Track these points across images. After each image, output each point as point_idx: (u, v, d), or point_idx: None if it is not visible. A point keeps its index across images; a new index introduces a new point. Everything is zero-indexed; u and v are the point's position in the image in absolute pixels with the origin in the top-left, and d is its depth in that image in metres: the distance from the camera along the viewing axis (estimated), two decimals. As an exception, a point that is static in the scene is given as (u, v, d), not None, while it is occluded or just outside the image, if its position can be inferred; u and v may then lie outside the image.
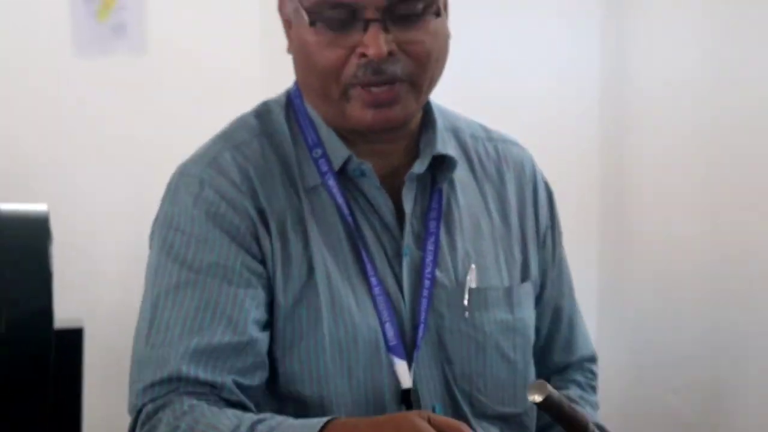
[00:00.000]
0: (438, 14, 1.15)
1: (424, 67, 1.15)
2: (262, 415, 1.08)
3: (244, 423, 1.05)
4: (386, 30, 1.12)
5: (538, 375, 1.32)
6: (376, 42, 1.10)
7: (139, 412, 1.11)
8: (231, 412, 1.09)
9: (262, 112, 1.26)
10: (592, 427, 1.04)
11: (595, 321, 2.45)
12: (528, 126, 2.18)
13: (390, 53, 1.11)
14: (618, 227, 2.67)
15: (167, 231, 1.18)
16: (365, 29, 1.10)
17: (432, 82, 1.20)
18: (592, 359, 1.42)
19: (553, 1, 2.68)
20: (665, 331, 2.47)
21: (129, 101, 2.99)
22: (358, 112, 1.14)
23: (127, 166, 2.86)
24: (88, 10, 3.13)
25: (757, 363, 2.21)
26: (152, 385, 1.11)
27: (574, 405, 1.04)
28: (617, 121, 2.65)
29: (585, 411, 1.22)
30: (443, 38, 1.18)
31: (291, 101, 1.25)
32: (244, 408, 1.13)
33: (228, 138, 1.22)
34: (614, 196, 2.67)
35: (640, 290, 2.59)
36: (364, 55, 1.11)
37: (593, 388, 1.39)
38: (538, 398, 1.00)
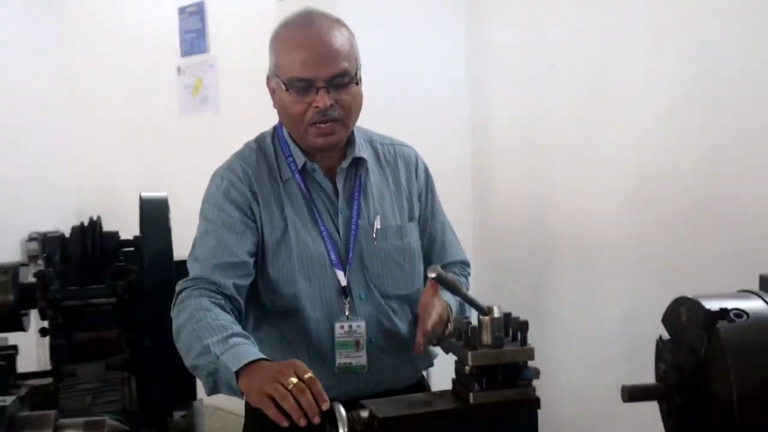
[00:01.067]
0: (357, 83, 1.91)
1: (349, 113, 1.92)
2: (244, 334, 1.73)
3: (233, 330, 1.72)
4: (328, 92, 1.87)
5: (424, 276, 2.03)
6: (323, 99, 1.86)
7: (180, 292, 1.87)
8: (228, 319, 1.77)
9: (259, 138, 2.07)
10: (464, 289, 1.68)
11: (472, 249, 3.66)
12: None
13: (330, 105, 1.87)
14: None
15: (204, 204, 1.99)
16: (317, 93, 1.87)
17: (354, 121, 1.96)
18: (463, 263, 2.19)
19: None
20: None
21: (210, 145, 4.59)
22: (314, 139, 1.92)
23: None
24: (186, 89, 5.07)
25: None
26: (188, 280, 1.88)
27: (455, 279, 1.73)
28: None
29: (460, 282, 2.00)
30: (359, 96, 1.94)
31: (276, 130, 2.05)
32: (232, 302, 1.85)
33: (239, 155, 2.03)
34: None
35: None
36: (317, 106, 1.87)
37: (464, 276, 2.15)
38: (432, 275, 1.59)
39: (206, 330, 1.73)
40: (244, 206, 1.95)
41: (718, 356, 1.29)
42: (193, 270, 1.91)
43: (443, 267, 1.93)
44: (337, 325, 1.93)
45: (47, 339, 2.90)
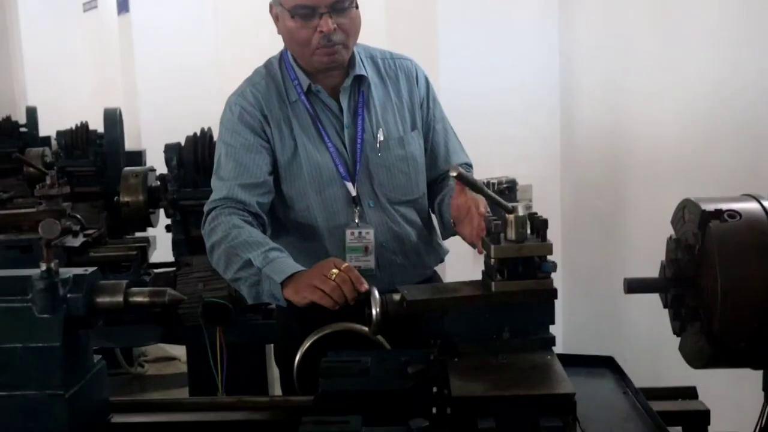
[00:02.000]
0: (356, 6, 2.03)
1: (349, 35, 2.04)
2: (280, 248, 1.94)
3: (269, 245, 1.93)
4: (330, 17, 1.98)
5: (434, 179, 2.23)
6: (327, 24, 1.98)
7: (208, 213, 2.06)
8: (260, 235, 1.97)
9: (267, 64, 2.19)
10: (483, 185, 1.77)
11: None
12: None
13: (334, 29, 1.99)
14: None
15: (221, 128, 2.15)
16: (320, 18, 1.98)
17: (354, 42, 2.07)
18: (467, 164, 2.31)
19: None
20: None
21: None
22: (319, 59, 2.04)
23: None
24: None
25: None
26: (215, 200, 2.06)
27: (475, 179, 1.84)
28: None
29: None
30: (358, 19, 2.05)
31: (282, 55, 2.17)
32: (257, 218, 2.04)
33: (249, 80, 2.17)
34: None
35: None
36: (321, 31, 1.99)
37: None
38: (453, 173, 1.73)
39: (244, 246, 1.92)
40: (258, 129, 2.09)
41: (708, 252, 1.38)
42: (219, 191, 2.08)
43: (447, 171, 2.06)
44: (348, 232, 2.10)
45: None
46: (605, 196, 3.87)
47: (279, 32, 2.10)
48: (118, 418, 1.63)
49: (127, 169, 3.24)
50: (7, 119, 6.40)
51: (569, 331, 4.15)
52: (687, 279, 1.43)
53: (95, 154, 4.61)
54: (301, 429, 1.36)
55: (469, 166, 2.32)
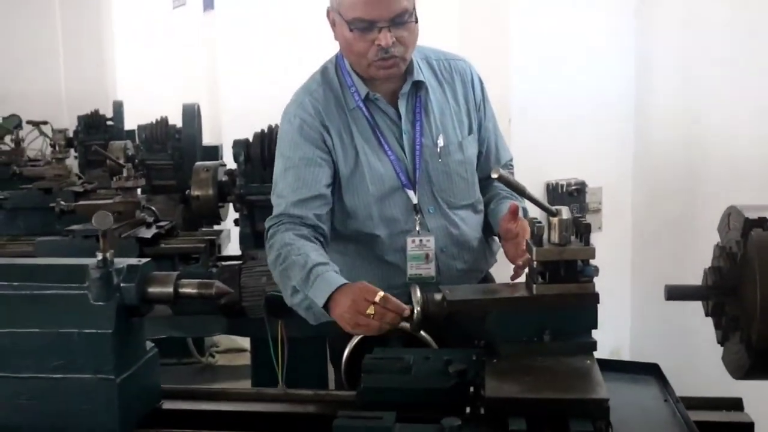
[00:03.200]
0: (416, 21, 1.99)
1: (408, 48, 2.01)
2: (321, 261, 1.90)
3: (310, 262, 1.90)
4: (389, 31, 1.95)
5: (485, 177, 2.21)
6: (386, 38, 1.95)
7: (268, 230, 2.08)
8: (310, 248, 1.94)
9: (323, 70, 2.16)
10: (522, 186, 1.71)
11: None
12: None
13: (392, 43, 1.96)
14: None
15: (280, 141, 2.14)
16: (379, 32, 1.95)
17: (411, 53, 2.03)
18: (510, 161, 2.34)
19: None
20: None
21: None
22: (376, 72, 2.02)
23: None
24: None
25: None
26: (273, 217, 2.08)
27: (518, 181, 1.72)
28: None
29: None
30: (416, 33, 2.01)
31: (338, 60, 2.14)
32: (315, 229, 2.03)
33: (305, 89, 2.14)
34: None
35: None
36: (379, 44, 1.96)
37: (511, 173, 2.17)
38: (495, 175, 1.67)
39: (291, 268, 1.94)
40: (319, 141, 2.07)
41: (749, 261, 1.36)
42: (277, 207, 2.10)
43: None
44: (409, 240, 2.10)
45: (241, 228, 3.37)
46: (678, 200, 3.81)
47: (336, 38, 2.08)
48: (168, 405, 1.70)
49: (198, 163, 3.34)
50: (95, 113, 6.65)
51: (637, 335, 4.09)
52: (728, 287, 1.41)
53: (173, 148, 4.75)
54: (335, 422, 1.40)
55: (510, 162, 2.33)
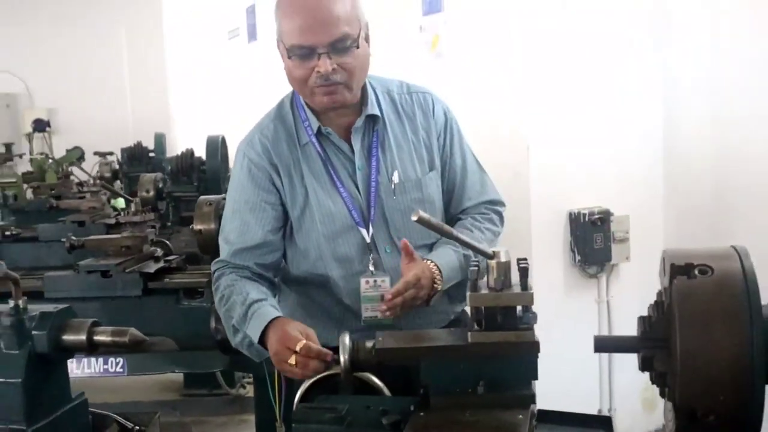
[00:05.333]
0: (358, 46, 1.88)
1: (352, 75, 1.90)
2: (259, 298, 1.87)
3: (248, 300, 1.88)
4: (330, 57, 1.86)
5: (454, 215, 2.10)
6: (325, 65, 1.86)
7: (214, 272, 2.05)
8: (251, 287, 1.91)
9: (279, 105, 2.08)
10: (452, 231, 1.62)
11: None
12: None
13: (333, 69, 1.86)
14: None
15: (230, 182, 2.10)
16: (318, 58, 1.86)
17: (358, 81, 1.93)
18: (491, 202, 2.15)
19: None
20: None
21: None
22: (320, 99, 1.92)
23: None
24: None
25: None
26: (218, 261, 2.05)
27: (442, 224, 1.66)
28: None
29: (460, 229, 1.87)
30: (363, 57, 1.91)
31: (294, 96, 2.06)
32: (261, 277, 1.99)
33: (258, 125, 2.07)
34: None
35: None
36: (318, 71, 1.87)
37: (483, 216, 2.11)
38: (414, 218, 1.58)
39: (232, 308, 1.91)
40: (266, 182, 2.01)
41: (673, 312, 1.23)
42: (222, 251, 2.06)
43: (464, 210, 2.00)
44: (363, 281, 2.00)
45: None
46: (712, 226, 3.65)
47: (284, 69, 1.97)
48: (98, 454, 1.65)
49: (201, 198, 3.32)
50: (138, 145, 6.76)
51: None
52: (657, 339, 1.29)
53: (198, 180, 4.77)
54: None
55: (492, 203, 2.18)
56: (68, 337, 1.52)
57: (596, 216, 3.74)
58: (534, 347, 1.51)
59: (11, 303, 1.49)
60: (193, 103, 9.10)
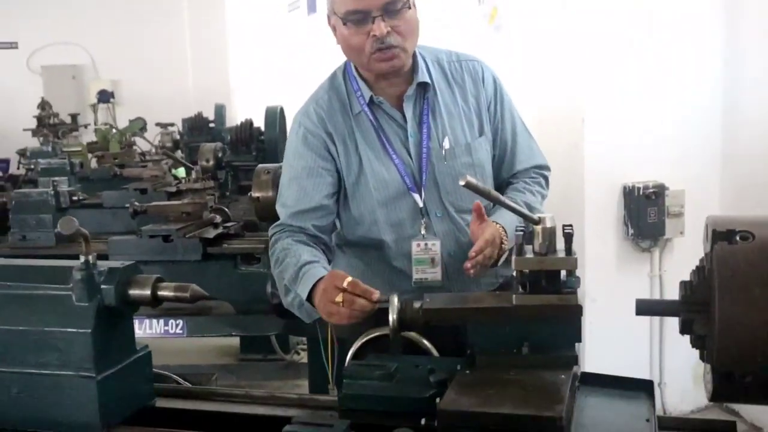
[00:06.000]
0: (410, 7, 1.96)
1: (406, 38, 1.98)
2: (311, 260, 1.95)
3: (301, 261, 1.95)
4: (384, 20, 1.92)
5: (506, 178, 2.19)
6: (380, 27, 1.92)
7: (271, 236, 2.13)
8: (304, 250, 1.98)
9: (332, 76, 2.17)
10: (499, 196, 1.69)
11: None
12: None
13: (387, 32, 1.94)
14: None
15: (286, 150, 2.18)
16: (373, 22, 1.93)
17: (412, 44, 2.00)
18: (538, 167, 2.22)
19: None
20: None
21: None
22: (378, 65, 1.99)
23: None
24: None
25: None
26: (275, 225, 2.13)
27: (489, 189, 1.76)
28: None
29: (509, 195, 2.06)
30: (414, 20, 1.98)
31: (345, 66, 2.15)
32: (316, 238, 2.06)
33: (313, 96, 2.15)
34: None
35: None
36: (374, 35, 1.93)
37: (533, 180, 2.19)
38: (462, 182, 1.62)
39: (285, 269, 1.99)
40: (322, 149, 2.09)
41: (713, 276, 1.26)
42: (280, 215, 2.14)
43: (514, 174, 2.07)
44: (414, 243, 2.07)
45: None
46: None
47: (337, 42, 2.06)
48: (161, 403, 1.75)
49: (260, 166, 3.40)
50: (199, 115, 6.90)
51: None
52: (697, 304, 1.32)
53: (257, 150, 4.86)
54: (285, 429, 1.40)
55: (540, 168, 2.23)
56: (134, 291, 1.61)
57: (651, 190, 3.74)
58: (577, 310, 1.55)
59: (82, 258, 1.58)
60: (252, 74, 9.23)
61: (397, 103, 2.11)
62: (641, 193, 3.74)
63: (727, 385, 1.26)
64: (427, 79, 2.10)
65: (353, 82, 2.11)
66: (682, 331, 1.36)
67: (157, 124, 8.28)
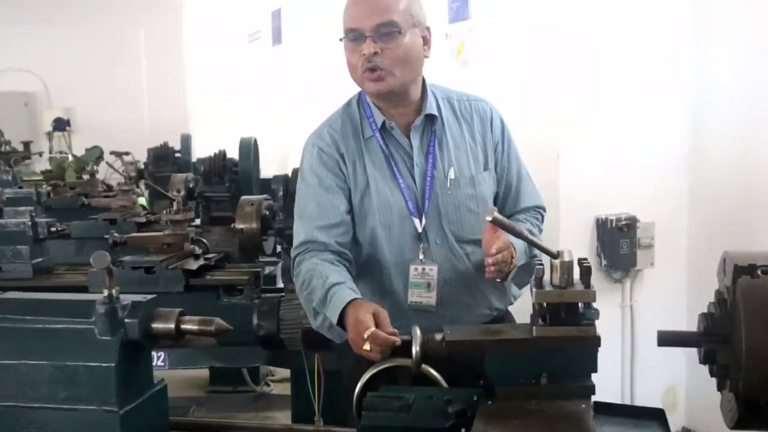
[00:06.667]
0: (401, 33, 2.06)
1: (395, 62, 2.07)
2: (338, 281, 2.00)
3: (328, 283, 2.00)
4: (374, 42, 2.06)
5: (509, 215, 2.21)
6: (368, 47, 2.05)
7: (294, 258, 2.16)
8: (330, 270, 2.03)
9: (347, 103, 2.27)
10: (523, 230, 1.80)
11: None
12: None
13: (375, 53, 2.05)
14: None
15: (301, 171, 2.24)
16: (364, 42, 2.07)
17: (404, 72, 2.09)
18: (537, 207, 2.33)
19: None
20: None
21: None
22: (367, 85, 2.12)
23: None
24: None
25: None
26: (298, 245, 2.16)
27: (513, 222, 1.96)
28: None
29: (522, 225, 2.10)
30: (409, 49, 2.09)
31: (361, 95, 2.24)
32: (340, 255, 2.11)
33: (327, 121, 2.25)
34: None
35: None
36: (364, 54, 2.07)
37: (535, 218, 2.30)
38: (489, 218, 1.78)
39: (313, 291, 2.02)
40: (335, 168, 2.16)
41: (737, 308, 1.33)
42: (299, 234, 2.18)
43: (517, 211, 2.14)
44: (412, 267, 2.13)
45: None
46: (737, 236, 3.72)
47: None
48: (177, 437, 1.75)
49: (244, 198, 3.42)
50: (164, 145, 6.87)
51: (693, 375, 3.98)
52: (719, 335, 1.38)
53: (230, 181, 4.86)
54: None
55: (539, 208, 2.33)
56: (157, 325, 1.61)
57: (623, 222, 3.84)
58: (595, 341, 1.61)
59: (105, 292, 1.58)
60: (211, 105, 9.20)
61: (406, 132, 2.20)
62: (614, 225, 3.84)
63: (751, 412, 1.32)
64: (435, 112, 2.19)
65: (366, 109, 2.21)
66: (704, 361, 1.43)
67: (112, 153, 8.20)
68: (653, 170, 3.96)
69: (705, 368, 3.91)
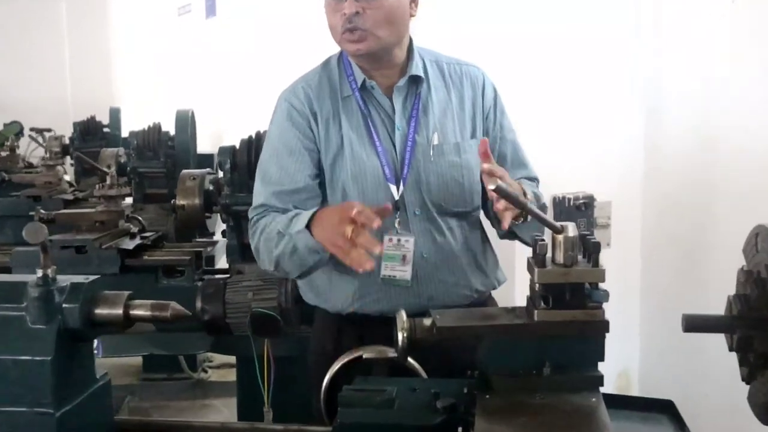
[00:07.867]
0: None
1: (377, 23, 1.93)
2: (296, 213, 1.91)
3: (290, 215, 1.91)
4: (356, 1, 1.91)
5: None
6: (349, 6, 1.90)
7: (251, 219, 2.03)
8: (291, 214, 1.91)
9: (326, 60, 2.12)
10: (527, 203, 1.58)
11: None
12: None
13: (356, 13, 1.91)
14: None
15: (269, 127, 2.10)
16: (346, 0, 1.92)
17: (385, 33, 1.94)
18: (531, 178, 2.16)
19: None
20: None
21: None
22: (346, 45, 1.98)
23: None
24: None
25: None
26: (256, 207, 2.02)
27: (518, 195, 1.61)
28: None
29: (526, 187, 1.96)
30: (391, 9, 1.94)
31: (342, 52, 2.08)
32: None
33: (303, 77, 2.09)
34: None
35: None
36: (344, 13, 1.92)
37: (531, 183, 2.14)
38: (492, 187, 1.51)
39: (274, 228, 1.89)
40: (305, 128, 2.01)
41: (782, 289, 1.17)
42: (259, 196, 2.02)
43: (517, 179, 1.92)
44: (386, 238, 1.96)
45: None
46: (690, 216, 3.63)
47: None
48: (123, 439, 1.52)
49: (185, 171, 3.17)
50: (92, 120, 6.50)
51: (647, 358, 3.91)
52: (757, 319, 1.22)
53: (166, 156, 4.58)
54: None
55: (533, 179, 2.18)
56: (102, 311, 1.38)
57: (581, 201, 3.71)
58: (604, 326, 1.43)
59: (39, 272, 1.34)
60: (140, 80, 8.82)
61: (388, 93, 2.04)
62: (571, 203, 3.70)
63: (796, 407, 1.17)
64: (421, 74, 2.04)
65: (347, 67, 2.06)
66: (736, 349, 1.26)
67: (32, 129, 7.83)
68: (609, 149, 3.84)
69: (658, 352, 3.80)
